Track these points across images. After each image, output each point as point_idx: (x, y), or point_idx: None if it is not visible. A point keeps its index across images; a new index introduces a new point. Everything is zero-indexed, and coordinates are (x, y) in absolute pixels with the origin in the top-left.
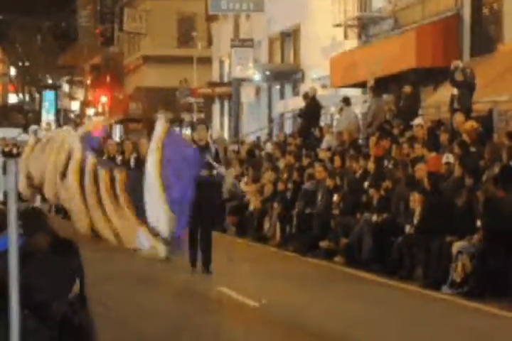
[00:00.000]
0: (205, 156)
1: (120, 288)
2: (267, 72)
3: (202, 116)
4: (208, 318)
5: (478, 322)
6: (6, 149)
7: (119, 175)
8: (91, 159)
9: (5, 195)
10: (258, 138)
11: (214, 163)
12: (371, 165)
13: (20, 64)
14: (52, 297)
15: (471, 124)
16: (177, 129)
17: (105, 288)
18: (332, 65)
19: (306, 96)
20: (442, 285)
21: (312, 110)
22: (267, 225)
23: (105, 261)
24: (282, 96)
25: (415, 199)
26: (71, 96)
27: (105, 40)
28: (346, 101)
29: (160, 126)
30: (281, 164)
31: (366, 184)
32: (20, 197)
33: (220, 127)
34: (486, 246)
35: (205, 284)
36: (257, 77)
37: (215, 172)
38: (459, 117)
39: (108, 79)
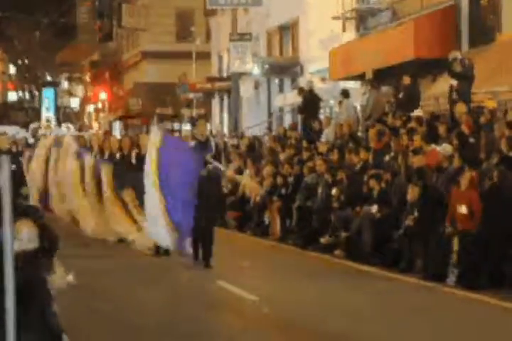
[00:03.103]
0: (205, 152)
1: (119, 282)
2: (266, 66)
3: (202, 111)
4: (208, 312)
5: (478, 313)
6: (6, 146)
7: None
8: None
9: None
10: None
11: (211, 160)
12: (371, 158)
13: (19, 62)
14: None
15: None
16: (175, 135)
17: (105, 282)
18: (331, 57)
19: (301, 90)
20: (443, 277)
21: (311, 103)
22: (267, 219)
23: (106, 256)
24: (281, 89)
25: (413, 192)
26: (70, 93)
27: (104, 37)
28: (345, 93)
29: (155, 136)
30: (281, 158)
31: (366, 176)
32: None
33: (219, 122)
34: (484, 236)
35: (205, 278)
36: (255, 71)
37: (211, 166)
38: (460, 107)
39: (107, 75)
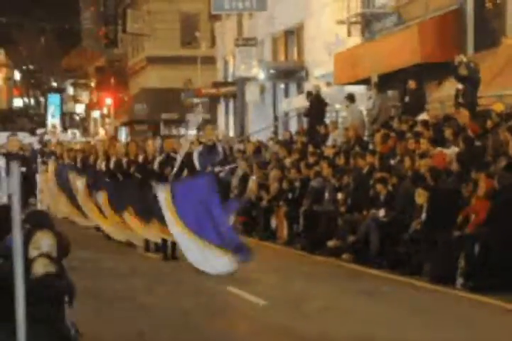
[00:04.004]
0: (212, 157)
1: (127, 286)
2: (271, 71)
3: (207, 116)
4: (216, 317)
5: (487, 316)
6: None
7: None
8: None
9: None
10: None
11: (220, 168)
12: (377, 162)
13: (24, 68)
14: None
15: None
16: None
17: (112, 285)
18: (336, 62)
19: (309, 94)
20: (451, 280)
21: (317, 108)
22: (274, 224)
23: (113, 260)
24: (287, 94)
25: (421, 195)
26: (76, 99)
27: (109, 42)
28: (351, 98)
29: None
30: (287, 162)
31: (372, 180)
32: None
33: (225, 127)
34: (493, 239)
35: (212, 283)
36: (261, 75)
37: (224, 173)
38: (463, 112)
39: (112, 81)
